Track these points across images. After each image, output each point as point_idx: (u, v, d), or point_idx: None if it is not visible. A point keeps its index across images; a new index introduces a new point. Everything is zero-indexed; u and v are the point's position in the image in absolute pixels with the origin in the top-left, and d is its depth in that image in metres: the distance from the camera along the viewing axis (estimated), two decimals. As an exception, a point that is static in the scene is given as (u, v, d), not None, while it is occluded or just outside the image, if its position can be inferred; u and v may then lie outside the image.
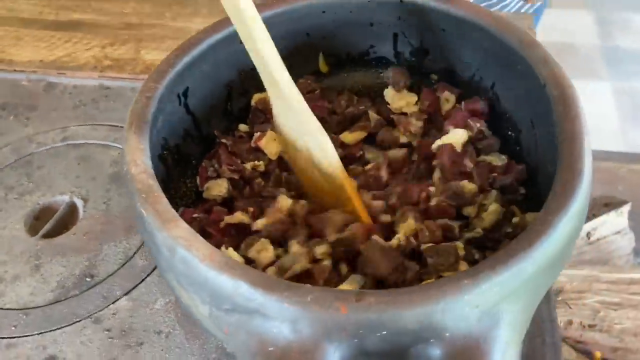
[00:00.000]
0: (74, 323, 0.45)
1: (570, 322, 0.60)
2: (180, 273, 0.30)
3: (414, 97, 0.49)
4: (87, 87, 0.66)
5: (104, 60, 0.70)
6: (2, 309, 0.46)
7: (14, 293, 0.47)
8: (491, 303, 0.28)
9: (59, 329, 0.45)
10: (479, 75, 0.47)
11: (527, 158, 0.43)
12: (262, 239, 0.38)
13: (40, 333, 0.44)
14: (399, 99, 0.49)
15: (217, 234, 0.40)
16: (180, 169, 0.45)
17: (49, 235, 0.52)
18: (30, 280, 0.48)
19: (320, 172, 0.41)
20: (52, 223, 0.52)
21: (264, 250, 0.38)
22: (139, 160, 0.34)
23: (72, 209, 0.54)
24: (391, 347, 0.28)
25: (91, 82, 0.67)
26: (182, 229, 0.30)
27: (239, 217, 0.40)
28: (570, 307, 0.61)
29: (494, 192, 0.41)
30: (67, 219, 0.54)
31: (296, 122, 0.40)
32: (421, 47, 0.49)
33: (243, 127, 0.49)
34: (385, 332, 0.27)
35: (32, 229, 0.52)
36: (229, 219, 0.40)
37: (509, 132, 0.45)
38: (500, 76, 0.45)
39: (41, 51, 0.72)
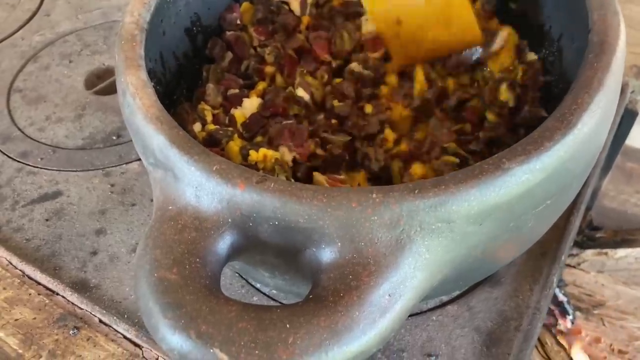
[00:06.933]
0: (88, 170, 0.48)
1: (598, 340, 0.52)
2: (126, 119, 0.31)
3: None
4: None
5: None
6: (37, 141, 0.51)
7: (52, 132, 0.52)
8: (398, 228, 0.25)
9: (74, 171, 0.48)
10: (549, 24, 0.41)
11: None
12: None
13: (59, 170, 0.48)
14: None
15: None
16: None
17: (101, 92, 0.55)
18: (70, 125, 0.52)
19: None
20: (107, 83, 0.56)
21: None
22: (136, 12, 0.34)
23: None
24: (285, 243, 0.26)
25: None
26: (137, 77, 0.30)
27: None
28: (604, 324, 0.53)
29: None
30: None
31: None
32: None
33: None
34: (277, 222, 0.25)
35: (90, 84, 0.57)
36: None
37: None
38: (567, 26, 0.39)
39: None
